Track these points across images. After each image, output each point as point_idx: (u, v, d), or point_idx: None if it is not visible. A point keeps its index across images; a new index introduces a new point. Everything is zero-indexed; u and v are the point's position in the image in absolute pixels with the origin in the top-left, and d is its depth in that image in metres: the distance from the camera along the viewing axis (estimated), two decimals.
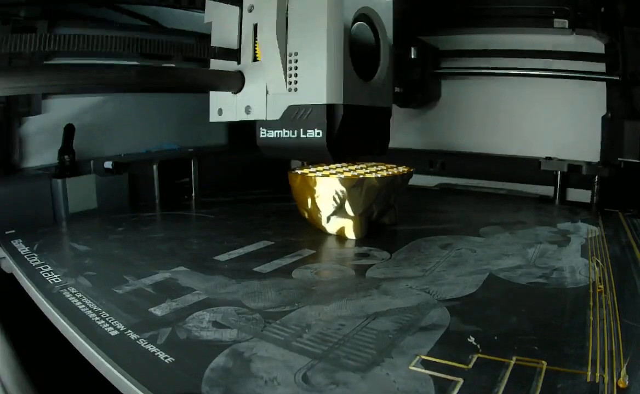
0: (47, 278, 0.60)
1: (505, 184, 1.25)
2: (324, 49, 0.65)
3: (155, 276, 0.60)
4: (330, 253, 0.71)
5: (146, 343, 0.43)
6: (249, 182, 1.27)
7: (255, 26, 0.70)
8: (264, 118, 0.71)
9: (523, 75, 1.19)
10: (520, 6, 1.14)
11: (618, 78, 1.06)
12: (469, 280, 0.59)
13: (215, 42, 0.74)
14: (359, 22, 0.71)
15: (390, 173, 0.78)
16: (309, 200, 0.75)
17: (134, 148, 1.12)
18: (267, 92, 0.71)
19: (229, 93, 0.73)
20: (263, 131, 0.72)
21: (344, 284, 0.57)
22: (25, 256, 0.70)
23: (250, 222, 0.89)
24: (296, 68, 0.68)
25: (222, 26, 0.74)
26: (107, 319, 0.48)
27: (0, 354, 0.54)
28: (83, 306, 0.52)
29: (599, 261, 0.67)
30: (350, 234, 0.75)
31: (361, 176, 0.73)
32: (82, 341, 0.44)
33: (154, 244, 0.75)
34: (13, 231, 0.82)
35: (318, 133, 0.67)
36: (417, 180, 1.27)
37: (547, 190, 1.17)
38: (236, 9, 0.72)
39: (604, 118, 1.13)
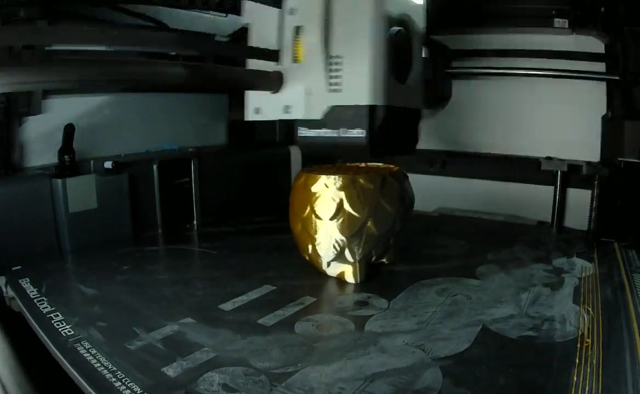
0: (60, 329, 0.65)
1: (505, 185, 1.31)
2: (367, 53, 0.71)
3: (164, 329, 0.65)
4: (331, 300, 0.76)
5: None
6: (250, 181, 1.34)
7: (297, 28, 0.76)
8: (305, 118, 0.77)
9: (522, 75, 1.25)
10: (519, 6, 1.19)
11: (618, 78, 1.11)
12: (462, 334, 0.64)
13: (253, 42, 0.80)
14: (396, 27, 0.77)
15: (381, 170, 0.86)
16: (310, 247, 0.81)
17: (134, 148, 1.16)
18: (307, 93, 0.76)
19: (266, 93, 0.79)
20: (303, 130, 0.78)
21: (344, 340, 0.63)
22: (35, 300, 0.75)
23: (252, 260, 0.95)
24: (338, 70, 0.73)
25: (261, 27, 0.80)
26: (123, 380, 0.54)
27: (0, 355, 0.59)
28: (99, 364, 0.57)
29: (590, 309, 0.73)
30: (350, 278, 0.81)
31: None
32: None
33: (160, 288, 0.81)
34: (19, 267, 0.88)
35: (360, 133, 0.73)
36: (417, 180, 1.32)
37: (548, 190, 1.23)
38: (276, 10, 0.78)
39: (604, 118, 1.18)
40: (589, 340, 0.64)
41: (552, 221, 1.25)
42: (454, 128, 1.39)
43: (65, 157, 0.97)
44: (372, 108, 0.72)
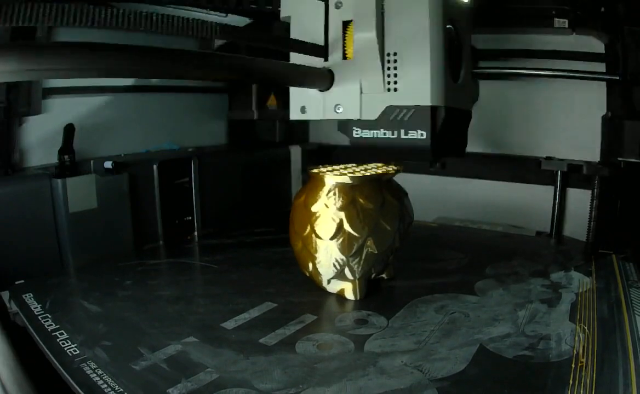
0: (65, 348, 0.68)
1: (505, 185, 1.35)
2: (427, 50, 0.70)
3: (168, 348, 0.68)
4: (331, 318, 0.79)
5: None
6: (250, 181, 1.38)
7: (345, 23, 0.74)
8: (358, 118, 0.75)
9: (522, 75, 1.28)
10: (519, 6, 1.22)
11: (618, 78, 1.14)
12: (460, 354, 0.67)
13: (295, 36, 0.77)
14: (448, 25, 0.76)
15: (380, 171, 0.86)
16: (310, 265, 0.83)
17: (134, 148, 1.20)
18: (361, 92, 0.74)
19: (313, 91, 0.77)
20: (357, 130, 0.76)
21: (344, 360, 0.66)
22: (39, 317, 0.78)
23: (253, 275, 0.98)
24: (395, 68, 0.72)
25: (304, 21, 0.77)
26: None
27: (0, 355, 0.61)
28: (105, 385, 0.59)
29: (585, 328, 0.75)
30: (349, 295, 0.84)
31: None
32: None
33: (163, 306, 0.83)
34: (22, 281, 0.90)
35: (422, 135, 0.71)
36: (417, 180, 1.38)
37: (548, 190, 1.27)
38: (319, 3, 0.75)
39: (604, 118, 1.21)
40: (584, 360, 0.66)
41: (552, 229, 1.28)
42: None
43: (65, 156, 1.00)
44: (434, 109, 0.71)
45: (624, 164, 1.13)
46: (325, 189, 0.81)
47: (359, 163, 0.96)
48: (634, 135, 1.10)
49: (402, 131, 0.72)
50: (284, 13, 0.80)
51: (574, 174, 1.24)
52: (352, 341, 0.70)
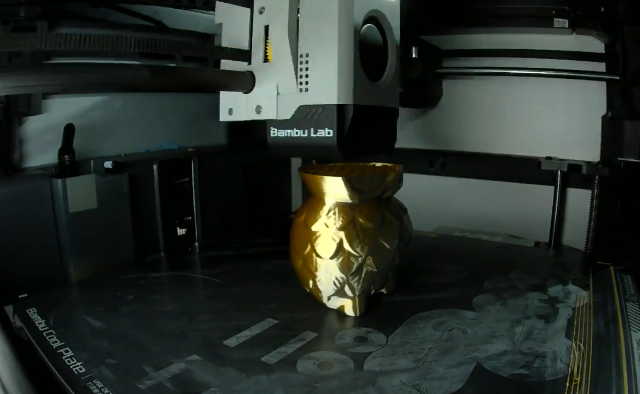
0: (71, 366, 0.70)
1: (505, 185, 1.37)
2: (334, 51, 0.73)
3: (172, 367, 0.70)
4: (331, 336, 0.81)
5: None
6: (250, 180, 1.42)
7: (266, 27, 0.78)
8: (275, 118, 0.79)
9: (523, 75, 1.30)
10: (520, 6, 1.24)
11: (618, 78, 1.17)
12: (457, 372, 0.69)
13: (226, 42, 0.82)
14: (367, 24, 0.79)
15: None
16: (311, 282, 0.86)
17: (134, 148, 1.21)
18: (277, 92, 0.78)
19: (239, 93, 0.81)
20: (274, 130, 0.80)
21: (344, 380, 0.68)
22: (44, 333, 0.80)
23: (254, 290, 1.01)
24: (307, 69, 0.75)
25: (233, 27, 0.82)
26: None
27: (0, 355, 0.63)
28: None
29: (581, 345, 0.78)
30: (349, 311, 0.86)
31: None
32: None
33: (166, 322, 0.85)
34: (26, 295, 0.93)
35: (328, 133, 0.74)
36: (417, 179, 1.42)
37: (548, 190, 1.29)
38: (247, 10, 0.80)
39: (604, 118, 1.23)
40: (578, 379, 0.68)
41: (550, 236, 1.30)
42: (455, 128, 1.45)
43: (65, 156, 1.02)
44: (340, 108, 0.74)
45: (624, 164, 1.16)
46: (325, 209, 0.83)
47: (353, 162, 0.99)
48: (634, 135, 1.13)
49: (312, 130, 0.76)
50: (217, 20, 0.84)
51: (574, 174, 1.26)
52: (352, 360, 0.73)
